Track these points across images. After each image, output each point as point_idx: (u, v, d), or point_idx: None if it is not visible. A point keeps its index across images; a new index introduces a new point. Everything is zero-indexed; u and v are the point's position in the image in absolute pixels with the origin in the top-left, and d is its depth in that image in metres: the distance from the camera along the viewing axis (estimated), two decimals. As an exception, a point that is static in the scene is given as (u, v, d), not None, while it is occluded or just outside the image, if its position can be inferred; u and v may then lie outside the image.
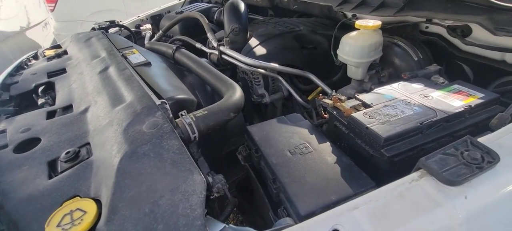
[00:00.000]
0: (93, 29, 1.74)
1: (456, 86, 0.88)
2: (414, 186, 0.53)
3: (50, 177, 0.65)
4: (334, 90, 1.26)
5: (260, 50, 1.42)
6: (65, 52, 1.47)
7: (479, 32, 1.00)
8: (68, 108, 0.94)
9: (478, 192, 0.50)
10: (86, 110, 0.88)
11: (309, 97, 1.38)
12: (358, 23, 1.12)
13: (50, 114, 0.90)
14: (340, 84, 1.33)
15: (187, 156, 0.63)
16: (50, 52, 1.54)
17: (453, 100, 0.81)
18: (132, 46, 1.32)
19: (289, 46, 1.48)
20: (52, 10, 4.51)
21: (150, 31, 2.05)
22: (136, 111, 0.73)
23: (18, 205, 0.59)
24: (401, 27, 1.23)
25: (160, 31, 1.85)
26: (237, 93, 0.91)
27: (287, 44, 1.48)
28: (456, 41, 1.10)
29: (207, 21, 1.59)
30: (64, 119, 0.85)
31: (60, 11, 4.48)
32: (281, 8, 1.91)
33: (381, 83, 1.23)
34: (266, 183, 0.76)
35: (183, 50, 1.28)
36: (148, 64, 1.10)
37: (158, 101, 0.76)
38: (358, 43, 1.13)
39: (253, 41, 1.47)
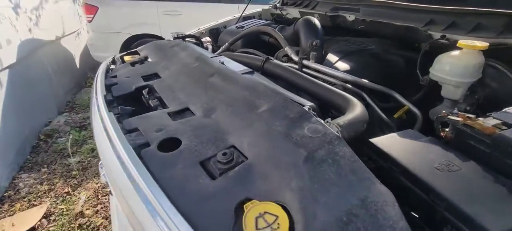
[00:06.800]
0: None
1: None
2: None
3: (212, 178, 0.63)
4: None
5: (342, 65, 1.42)
6: (146, 59, 1.49)
7: None
8: (184, 111, 0.93)
9: None
10: (210, 114, 0.87)
11: (395, 115, 1.35)
12: (462, 42, 1.11)
13: (172, 116, 0.89)
14: (420, 104, 1.31)
15: (361, 164, 0.60)
16: (129, 58, 1.57)
17: None
18: (218, 55, 1.33)
19: (369, 63, 1.48)
20: (90, 21, 4.68)
21: (210, 44, 2.09)
22: (287, 115, 0.71)
23: (193, 204, 0.57)
24: (502, 49, 1.22)
25: (226, 44, 1.88)
26: (361, 105, 0.90)
27: (366, 61, 1.48)
28: None
29: (282, 36, 1.62)
30: (193, 121, 0.84)
31: (97, 22, 4.66)
32: (345, 28, 1.94)
33: (477, 104, 1.21)
34: (409, 202, 0.72)
35: (275, 61, 1.29)
36: (251, 72, 1.10)
37: (306, 106, 0.75)
38: (461, 63, 1.12)
39: (332, 57, 1.48)
